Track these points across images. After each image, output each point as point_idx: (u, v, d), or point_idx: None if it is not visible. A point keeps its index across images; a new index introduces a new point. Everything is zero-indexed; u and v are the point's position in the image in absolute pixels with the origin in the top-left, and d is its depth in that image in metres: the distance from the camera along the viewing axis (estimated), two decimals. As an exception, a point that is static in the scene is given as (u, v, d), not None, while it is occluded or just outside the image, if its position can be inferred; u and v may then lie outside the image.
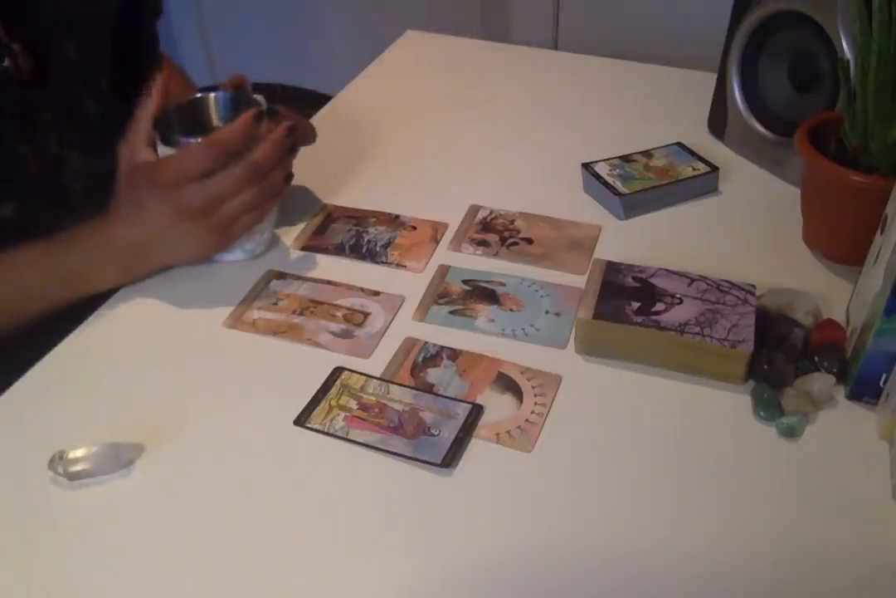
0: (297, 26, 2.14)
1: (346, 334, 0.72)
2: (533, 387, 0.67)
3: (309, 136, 0.84)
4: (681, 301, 0.70)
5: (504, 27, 1.90)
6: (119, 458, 0.61)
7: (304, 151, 0.83)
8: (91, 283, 0.74)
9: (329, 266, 0.80)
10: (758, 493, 0.60)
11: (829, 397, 0.66)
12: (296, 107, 1.13)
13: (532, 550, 0.57)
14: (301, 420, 0.65)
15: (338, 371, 0.69)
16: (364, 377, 0.68)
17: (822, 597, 0.54)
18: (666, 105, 1.05)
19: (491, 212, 0.87)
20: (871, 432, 0.64)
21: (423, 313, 0.74)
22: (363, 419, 0.64)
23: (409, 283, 0.78)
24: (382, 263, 0.80)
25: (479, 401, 0.66)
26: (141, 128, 0.73)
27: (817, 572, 0.55)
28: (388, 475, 0.61)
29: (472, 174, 0.93)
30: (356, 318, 0.74)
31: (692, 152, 0.92)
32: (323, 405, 0.66)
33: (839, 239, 0.79)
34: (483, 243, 0.83)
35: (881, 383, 0.64)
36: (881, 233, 0.67)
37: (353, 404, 0.66)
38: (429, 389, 0.67)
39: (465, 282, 0.78)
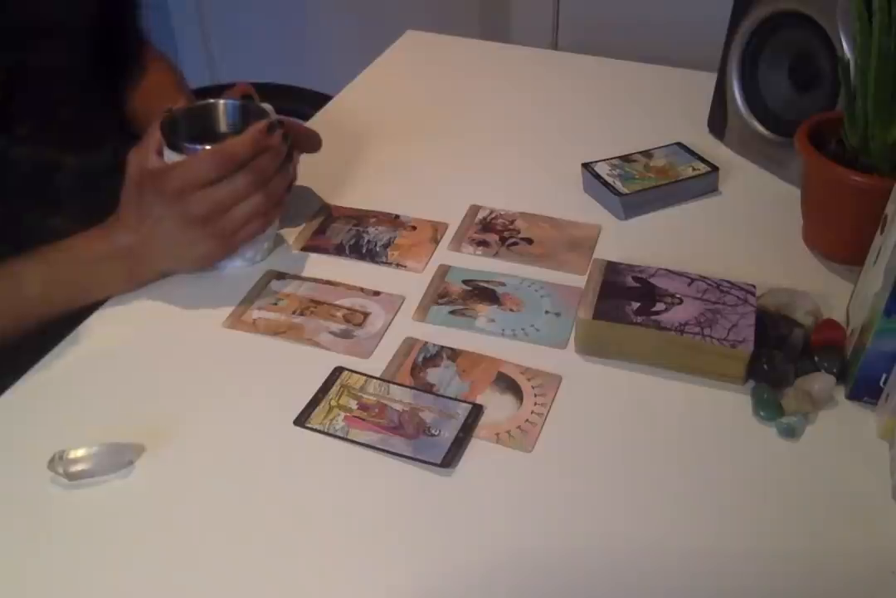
0: (297, 26, 2.14)
1: (346, 334, 0.72)
2: (533, 387, 0.67)
3: (314, 144, 0.84)
4: (681, 301, 0.70)
5: (504, 27, 1.90)
6: (119, 458, 0.61)
7: (304, 151, 0.83)
8: (92, 291, 0.74)
9: (329, 266, 0.80)
10: (758, 493, 0.60)
11: (829, 397, 0.66)
12: (296, 107, 1.14)
13: (532, 550, 0.57)
14: (301, 420, 0.65)
15: (338, 371, 0.69)
16: (364, 377, 0.68)
17: (822, 597, 0.54)
18: (666, 105, 1.05)
19: (491, 212, 0.87)
20: (871, 432, 0.64)
21: (423, 313, 0.74)
22: (363, 419, 0.64)
23: (409, 283, 0.78)
24: (382, 263, 0.80)
25: (479, 401, 0.66)
26: (152, 134, 0.73)
27: (817, 572, 0.56)
28: (388, 475, 0.61)
29: (472, 174, 0.93)
30: (356, 318, 0.74)
31: (692, 152, 0.92)
32: (323, 405, 0.66)
33: (839, 239, 0.79)
34: (483, 243, 0.83)
35: (881, 383, 0.64)
36: (881, 233, 0.67)
37: (353, 404, 0.66)
38: (429, 389, 0.67)
39: (465, 282, 0.78)
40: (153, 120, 0.74)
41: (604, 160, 0.91)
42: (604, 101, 1.07)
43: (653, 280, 0.72)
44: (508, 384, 0.68)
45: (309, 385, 0.67)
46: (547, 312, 0.74)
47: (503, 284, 0.77)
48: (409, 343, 0.71)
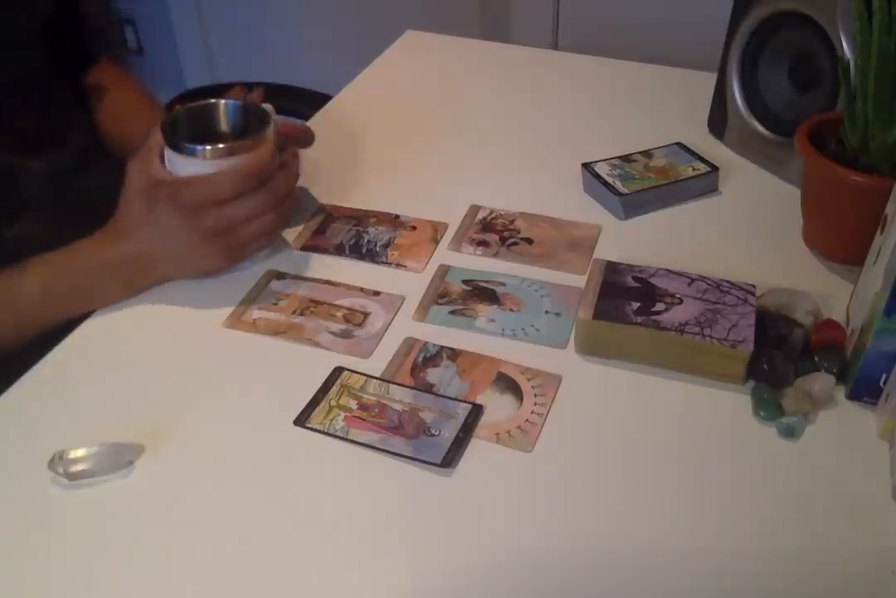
0: (297, 26, 2.14)
1: (346, 334, 0.72)
2: (533, 387, 0.67)
3: (307, 139, 0.84)
4: (681, 301, 0.70)
5: (504, 27, 1.90)
6: (119, 458, 0.61)
7: (305, 151, 0.83)
8: (92, 301, 0.74)
9: (329, 266, 0.80)
10: (758, 493, 0.60)
11: (829, 397, 0.66)
12: (296, 107, 1.14)
13: (532, 550, 0.57)
14: (301, 420, 0.65)
15: (338, 371, 0.69)
16: (364, 377, 0.68)
17: (822, 597, 0.54)
18: (666, 105, 1.05)
19: (491, 212, 0.87)
20: (871, 432, 0.64)
21: (423, 313, 0.74)
22: (363, 419, 0.64)
23: (409, 283, 0.78)
24: (382, 263, 0.80)
25: (479, 401, 0.66)
26: (152, 141, 0.73)
27: (817, 571, 0.56)
28: (388, 475, 0.61)
29: (472, 174, 0.93)
30: (356, 318, 0.74)
31: (692, 152, 0.92)
32: (323, 405, 0.66)
33: (839, 239, 0.79)
34: (483, 243, 0.83)
35: (881, 383, 0.64)
36: (881, 233, 0.67)
37: (353, 404, 0.66)
38: (429, 389, 0.67)
39: (465, 282, 0.78)
40: (141, 133, 0.74)
41: (604, 160, 0.91)
42: (604, 101, 1.07)
43: (653, 280, 0.72)
44: (508, 384, 0.68)
45: (309, 385, 0.67)
46: (547, 312, 0.74)
47: (503, 284, 0.77)
48: (409, 343, 0.71)
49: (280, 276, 0.78)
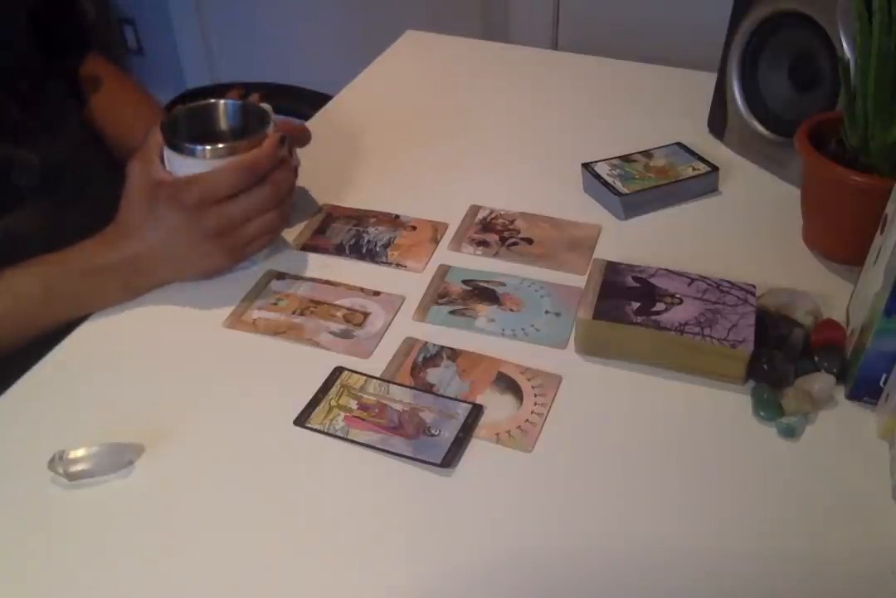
0: (297, 26, 2.15)
1: (346, 334, 0.72)
2: (533, 387, 0.67)
3: (304, 138, 0.84)
4: (681, 301, 0.70)
5: (504, 27, 1.90)
6: (119, 458, 0.61)
7: (304, 151, 0.83)
8: (93, 303, 0.73)
9: (329, 266, 0.80)
10: (758, 493, 0.60)
11: (829, 397, 0.66)
12: (296, 107, 1.14)
13: (532, 550, 0.57)
14: (301, 420, 0.65)
15: (338, 371, 0.69)
16: (364, 377, 0.68)
17: (821, 597, 0.54)
18: (666, 105, 1.05)
19: (491, 212, 0.87)
20: (871, 432, 0.64)
21: (423, 313, 0.74)
22: (363, 419, 0.65)
23: (409, 283, 0.78)
24: (382, 263, 0.80)
25: (479, 401, 0.66)
26: (152, 141, 0.73)
27: (817, 571, 0.56)
28: (388, 475, 0.61)
29: (472, 174, 0.93)
30: (356, 318, 0.74)
31: (692, 152, 0.92)
32: (323, 405, 0.66)
33: (839, 239, 0.79)
34: (483, 243, 0.83)
35: (881, 383, 0.64)
36: (881, 233, 0.67)
37: (353, 404, 0.66)
38: (429, 389, 0.67)
39: (465, 282, 0.78)
40: (137, 125, 0.73)
41: (604, 160, 0.91)
42: (604, 101, 1.07)
43: (653, 280, 0.72)
44: (508, 384, 0.68)
45: (309, 385, 0.67)
46: (547, 312, 0.74)
47: (503, 284, 0.77)
48: (409, 343, 0.71)
49: (280, 276, 0.78)
